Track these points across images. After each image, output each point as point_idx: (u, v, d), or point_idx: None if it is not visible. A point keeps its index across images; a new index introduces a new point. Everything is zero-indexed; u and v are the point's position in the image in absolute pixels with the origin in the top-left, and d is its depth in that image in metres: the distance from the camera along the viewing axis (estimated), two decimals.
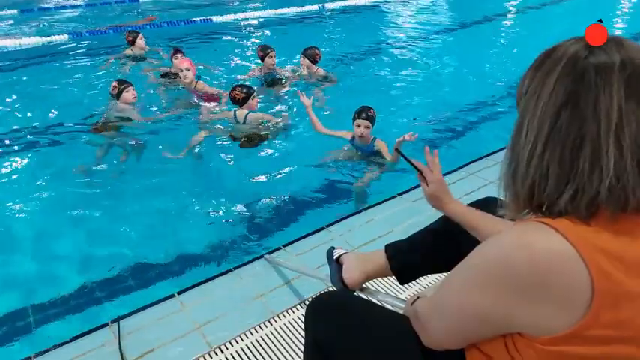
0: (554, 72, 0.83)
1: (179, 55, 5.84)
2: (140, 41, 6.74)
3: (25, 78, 6.61)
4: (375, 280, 2.18)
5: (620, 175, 0.77)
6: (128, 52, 6.75)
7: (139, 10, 10.89)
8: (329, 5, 11.06)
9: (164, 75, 5.85)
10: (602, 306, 0.75)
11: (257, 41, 8.16)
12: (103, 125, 4.60)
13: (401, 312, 1.36)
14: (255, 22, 9.82)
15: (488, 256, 0.86)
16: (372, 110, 3.85)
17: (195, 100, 5.26)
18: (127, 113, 4.65)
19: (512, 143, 0.89)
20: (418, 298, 1.18)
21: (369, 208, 3.08)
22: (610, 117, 0.77)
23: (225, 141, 4.49)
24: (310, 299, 1.63)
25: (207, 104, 5.15)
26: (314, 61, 5.83)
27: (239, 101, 4.55)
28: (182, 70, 5.24)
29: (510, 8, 11.26)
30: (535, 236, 0.79)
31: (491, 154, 3.71)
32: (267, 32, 9.15)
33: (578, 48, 0.83)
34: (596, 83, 0.79)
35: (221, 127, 4.65)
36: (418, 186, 3.32)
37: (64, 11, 10.87)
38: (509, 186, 0.91)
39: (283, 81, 5.76)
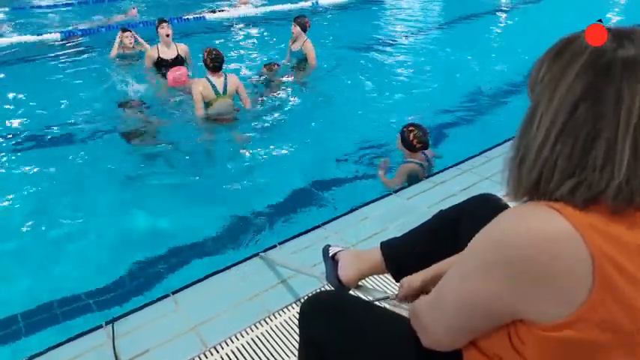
0: (575, 63, 0.79)
1: (165, 25, 5.67)
2: (126, 39, 6.43)
3: (16, 77, 6.55)
4: (370, 277, 2.18)
5: (631, 175, 0.76)
6: (119, 51, 6.54)
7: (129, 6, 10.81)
8: (322, 1, 11.02)
9: (157, 64, 5.72)
10: (604, 290, 0.74)
11: (250, 38, 8.13)
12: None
13: (395, 309, 1.36)
14: (248, 19, 9.78)
15: (488, 241, 0.84)
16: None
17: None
18: None
19: (522, 132, 0.86)
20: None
21: (364, 205, 3.07)
22: (630, 115, 0.75)
23: (221, 139, 4.47)
24: (305, 298, 1.62)
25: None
26: (304, 29, 5.81)
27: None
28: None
29: (503, 5, 11.26)
30: (536, 219, 0.78)
31: (486, 150, 3.71)
32: (262, 29, 9.12)
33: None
34: (622, 78, 0.75)
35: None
36: (412, 183, 3.35)
37: (56, 9, 10.78)
38: (512, 173, 0.89)
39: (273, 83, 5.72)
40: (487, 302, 0.85)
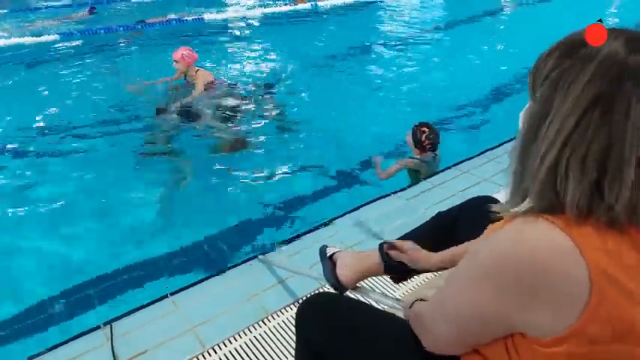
0: (586, 69, 0.75)
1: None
2: None
3: (14, 78, 6.55)
4: (367, 278, 2.18)
5: (635, 193, 0.73)
6: None
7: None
8: (321, 3, 11.02)
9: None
10: (600, 304, 0.73)
11: (247, 39, 8.12)
12: None
13: (393, 310, 1.35)
14: (246, 20, 9.79)
15: (487, 253, 0.83)
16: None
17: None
18: None
19: (527, 136, 0.82)
20: (416, 300, 1.17)
21: (362, 206, 3.07)
22: (637, 130, 0.72)
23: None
24: (304, 299, 1.62)
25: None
26: None
27: None
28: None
29: (502, 5, 11.26)
30: (535, 232, 0.77)
31: (485, 151, 3.71)
32: (260, 30, 9.12)
33: (617, 46, 0.75)
34: (632, 90, 0.72)
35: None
36: (412, 184, 3.35)
37: (55, 11, 10.77)
38: (515, 180, 0.85)
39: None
40: (484, 314, 0.84)
